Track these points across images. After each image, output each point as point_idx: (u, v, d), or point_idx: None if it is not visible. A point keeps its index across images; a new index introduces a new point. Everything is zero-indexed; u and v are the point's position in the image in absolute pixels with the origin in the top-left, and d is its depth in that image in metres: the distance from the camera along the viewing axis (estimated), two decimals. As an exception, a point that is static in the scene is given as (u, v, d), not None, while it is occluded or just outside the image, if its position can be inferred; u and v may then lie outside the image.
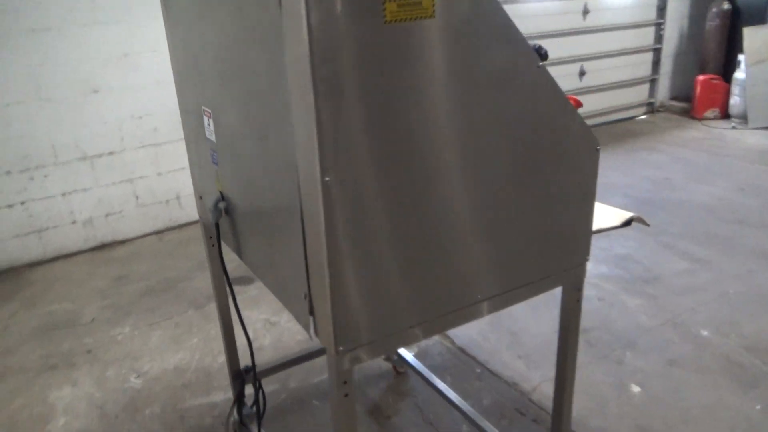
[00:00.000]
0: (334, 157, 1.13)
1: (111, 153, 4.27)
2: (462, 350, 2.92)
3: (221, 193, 1.73)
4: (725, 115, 6.92)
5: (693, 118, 7.03)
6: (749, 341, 2.86)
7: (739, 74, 6.61)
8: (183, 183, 4.58)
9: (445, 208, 1.32)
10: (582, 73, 6.63)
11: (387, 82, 1.15)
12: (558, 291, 1.70)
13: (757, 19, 6.73)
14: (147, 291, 3.69)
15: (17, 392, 2.78)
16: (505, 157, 1.38)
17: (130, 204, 4.43)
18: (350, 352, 1.29)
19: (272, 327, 3.20)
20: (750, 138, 6.23)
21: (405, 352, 2.69)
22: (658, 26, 7.14)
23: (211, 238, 2.06)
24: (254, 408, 2.19)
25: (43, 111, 3.96)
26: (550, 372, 2.68)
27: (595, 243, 3.95)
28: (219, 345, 3.03)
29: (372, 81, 1.13)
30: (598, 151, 1.51)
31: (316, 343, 2.42)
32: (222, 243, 1.86)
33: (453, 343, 2.98)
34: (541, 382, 2.65)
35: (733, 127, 6.59)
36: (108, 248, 4.37)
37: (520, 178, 1.42)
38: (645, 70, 7.27)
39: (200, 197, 1.99)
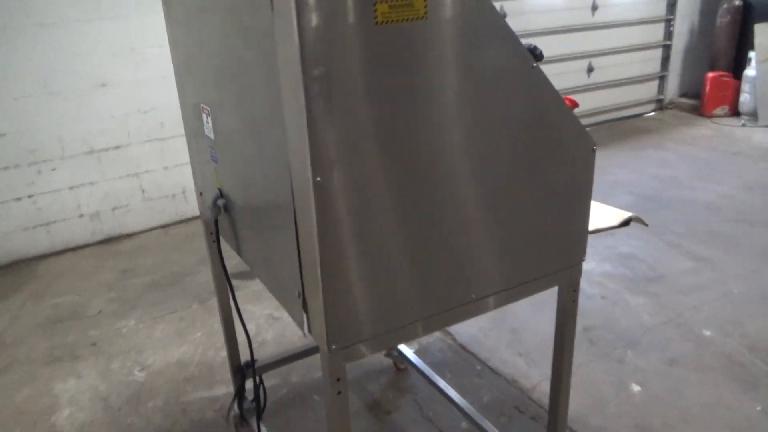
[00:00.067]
0: (326, 158, 1.14)
1: (117, 147, 4.30)
2: (463, 347, 2.92)
3: (220, 190, 1.75)
4: (735, 112, 6.85)
5: (702, 115, 6.97)
6: (751, 341, 2.85)
7: (750, 71, 6.55)
8: (189, 177, 4.61)
9: (440, 206, 1.33)
10: (590, 70, 6.58)
11: (379, 83, 1.15)
12: (556, 290, 1.70)
13: (768, 16, 6.66)
14: (152, 285, 3.72)
15: (23, 383, 2.83)
16: (498, 158, 1.38)
17: (136, 198, 4.47)
18: (343, 350, 1.30)
19: (275, 322, 3.22)
20: (759, 136, 6.17)
21: (405, 349, 2.71)
22: (668, 22, 7.07)
23: (211, 234, 2.08)
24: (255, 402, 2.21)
25: (51, 105, 4.00)
26: (551, 370, 2.68)
27: (600, 241, 3.94)
28: (222, 339, 3.05)
29: (364, 82, 1.13)
30: (594, 151, 1.51)
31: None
32: (222, 239, 1.88)
33: (454, 339, 2.99)
34: (541, 380, 2.66)
35: (743, 125, 6.53)
36: (114, 242, 4.41)
37: (513, 177, 1.42)
38: (654, 66, 7.21)
39: (200, 194, 2.01)
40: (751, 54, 6.51)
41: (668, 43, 7.14)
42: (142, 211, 4.52)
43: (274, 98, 1.21)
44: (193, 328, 3.21)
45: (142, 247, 4.30)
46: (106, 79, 4.13)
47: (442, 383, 2.43)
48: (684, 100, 7.41)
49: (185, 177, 4.61)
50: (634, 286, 3.40)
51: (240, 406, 2.38)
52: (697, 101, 7.19)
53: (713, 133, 6.38)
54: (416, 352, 2.85)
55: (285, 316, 3.26)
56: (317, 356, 2.74)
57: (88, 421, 2.55)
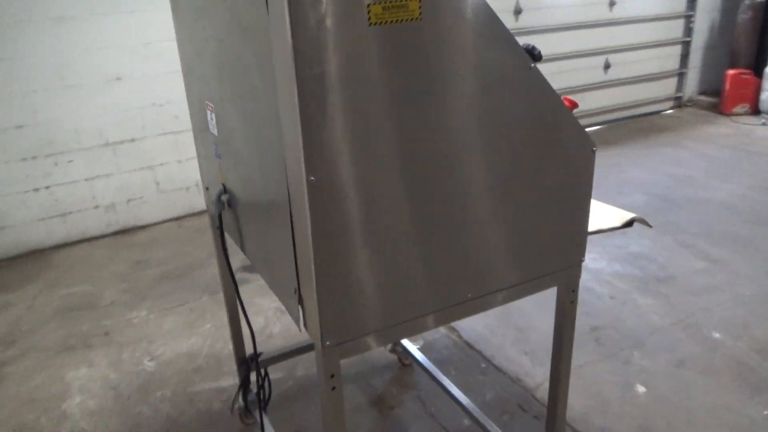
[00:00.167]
0: (320, 157, 1.15)
1: (132, 140, 4.36)
2: (468, 344, 2.93)
3: (224, 185, 1.77)
4: (755, 110, 6.73)
5: (721, 113, 6.86)
6: (761, 344, 2.81)
7: (771, 69, 6.43)
8: (202, 171, 4.66)
9: (438, 206, 1.34)
10: (607, 66, 6.51)
11: (373, 83, 1.16)
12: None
13: (792, 12, 6.52)
14: (164, 276, 3.78)
15: (37, 370, 2.89)
16: (496, 158, 1.38)
17: (150, 190, 4.53)
18: (338, 346, 1.32)
19: (283, 315, 3.25)
20: (780, 135, 6.06)
21: (410, 345, 2.72)
22: (688, 18, 6.96)
23: (217, 228, 2.10)
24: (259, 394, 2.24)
25: (67, 98, 4.07)
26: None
27: (610, 241, 3.91)
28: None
29: (357, 82, 1.14)
30: (593, 152, 1.50)
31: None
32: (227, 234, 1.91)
33: (459, 336, 2.99)
34: (545, 379, 2.65)
35: (763, 123, 6.42)
36: (129, 233, 4.48)
37: (511, 178, 1.42)
38: (673, 63, 7.10)
39: (206, 188, 2.04)
40: (773, 51, 6.39)
41: (688, 39, 7.03)
42: (156, 204, 4.58)
43: (271, 96, 1.23)
44: (202, 320, 3.25)
45: (155, 238, 4.37)
46: (121, 73, 4.19)
47: (445, 380, 2.44)
48: (703, 97, 7.30)
49: (198, 170, 4.66)
50: (643, 287, 3.37)
51: (245, 398, 2.41)
52: (716, 99, 7.08)
53: (732, 131, 6.28)
54: (421, 349, 2.86)
55: (293, 309, 3.29)
56: (322, 350, 2.76)
57: (98, 409, 2.61)
